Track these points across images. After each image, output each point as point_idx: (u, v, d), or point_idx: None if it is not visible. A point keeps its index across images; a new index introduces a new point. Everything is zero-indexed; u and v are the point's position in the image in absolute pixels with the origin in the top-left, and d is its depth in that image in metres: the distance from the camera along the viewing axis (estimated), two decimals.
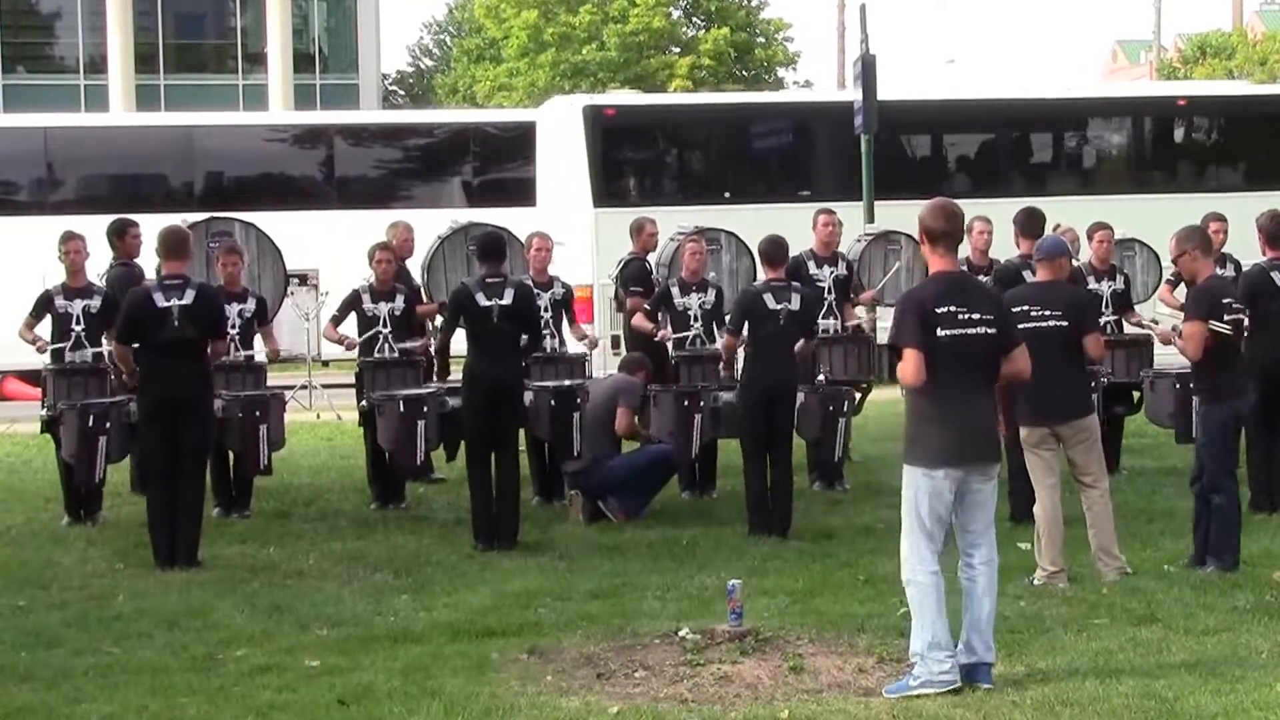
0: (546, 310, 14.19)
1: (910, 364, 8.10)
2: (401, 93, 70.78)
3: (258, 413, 13.18)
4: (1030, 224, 12.88)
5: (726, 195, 25.13)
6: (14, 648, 9.23)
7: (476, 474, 12.20)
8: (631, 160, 25.29)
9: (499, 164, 29.04)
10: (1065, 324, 10.38)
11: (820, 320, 14.08)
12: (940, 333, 8.13)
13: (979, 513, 8.25)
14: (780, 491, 12.35)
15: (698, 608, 9.78)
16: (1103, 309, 14.38)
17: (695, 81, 54.37)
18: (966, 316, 8.19)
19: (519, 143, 27.97)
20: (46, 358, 13.78)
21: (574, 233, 20.90)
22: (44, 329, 13.90)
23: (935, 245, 8.35)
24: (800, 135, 27.27)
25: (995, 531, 8.42)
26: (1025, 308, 10.27)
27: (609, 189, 24.72)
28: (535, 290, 13.98)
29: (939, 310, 8.16)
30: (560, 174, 25.50)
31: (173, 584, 10.96)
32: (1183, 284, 14.21)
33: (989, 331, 8.24)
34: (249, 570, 11.41)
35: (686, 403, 13.32)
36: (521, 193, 26.71)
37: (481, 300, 12.12)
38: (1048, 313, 10.36)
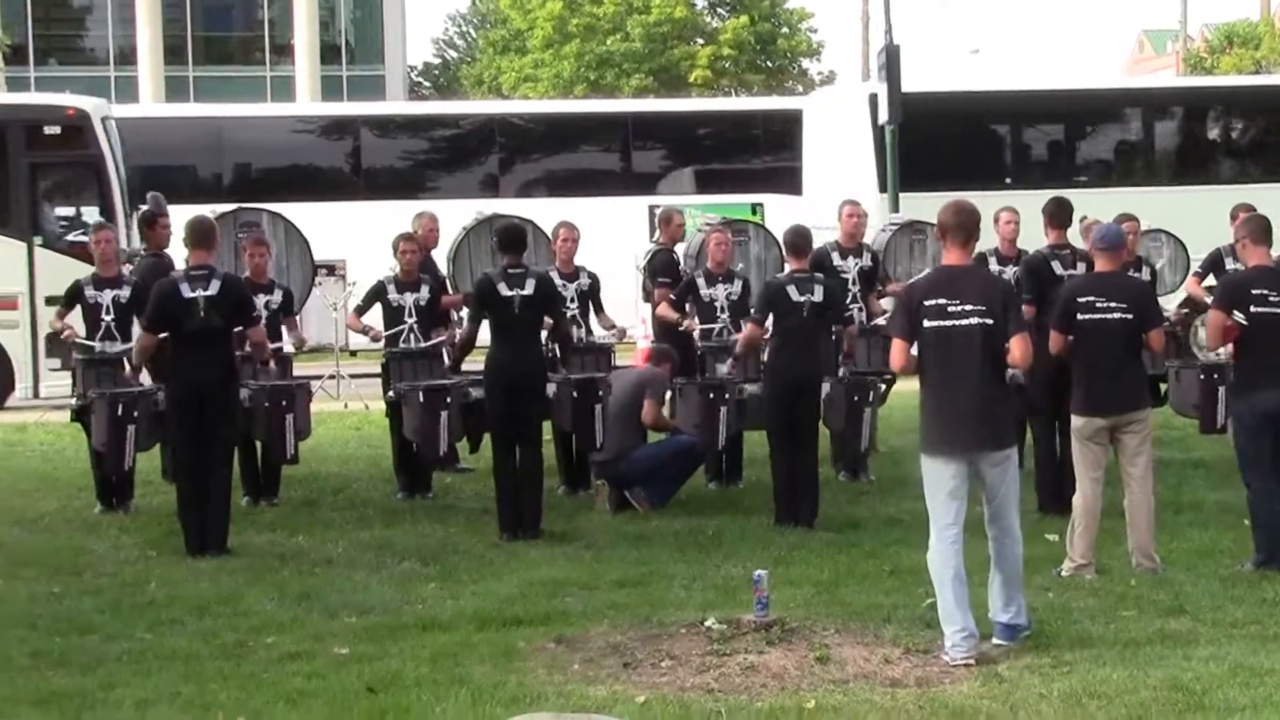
0: (573, 301, 14.19)
1: (894, 352, 8.69)
2: (427, 84, 70.81)
3: (284, 403, 13.18)
4: (1059, 214, 12.81)
5: (1008, 181, 25.21)
6: (49, 633, 9.27)
7: (500, 464, 12.22)
8: (913, 146, 25.19)
9: (753, 152, 29.38)
10: (1130, 316, 10.30)
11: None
12: (926, 324, 8.53)
13: (994, 491, 8.61)
14: (806, 482, 12.34)
15: (724, 597, 9.78)
16: None
17: (716, 72, 54.35)
18: (956, 308, 8.49)
19: (777, 132, 28.14)
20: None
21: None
22: (76, 319, 13.93)
23: (945, 239, 8.76)
24: (1078, 123, 27.41)
25: (1020, 505, 8.72)
26: (1089, 299, 10.23)
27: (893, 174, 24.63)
28: (562, 281, 13.99)
29: (927, 303, 8.56)
30: (835, 161, 25.48)
31: (203, 571, 10.99)
32: (1211, 275, 14.20)
33: (980, 323, 8.48)
34: (278, 558, 11.43)
35: (712, 395, 13.30)
36: (779, 181, 27.07)
37: (503, 290, 12.13)
38: (1112, 304, 10.28)
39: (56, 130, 22.59)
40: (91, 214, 21.54)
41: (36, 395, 21.47)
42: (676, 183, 29.07)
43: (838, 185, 24.58)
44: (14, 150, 22.51)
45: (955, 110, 26.37)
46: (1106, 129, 27.70)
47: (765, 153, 29.55)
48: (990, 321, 8.50)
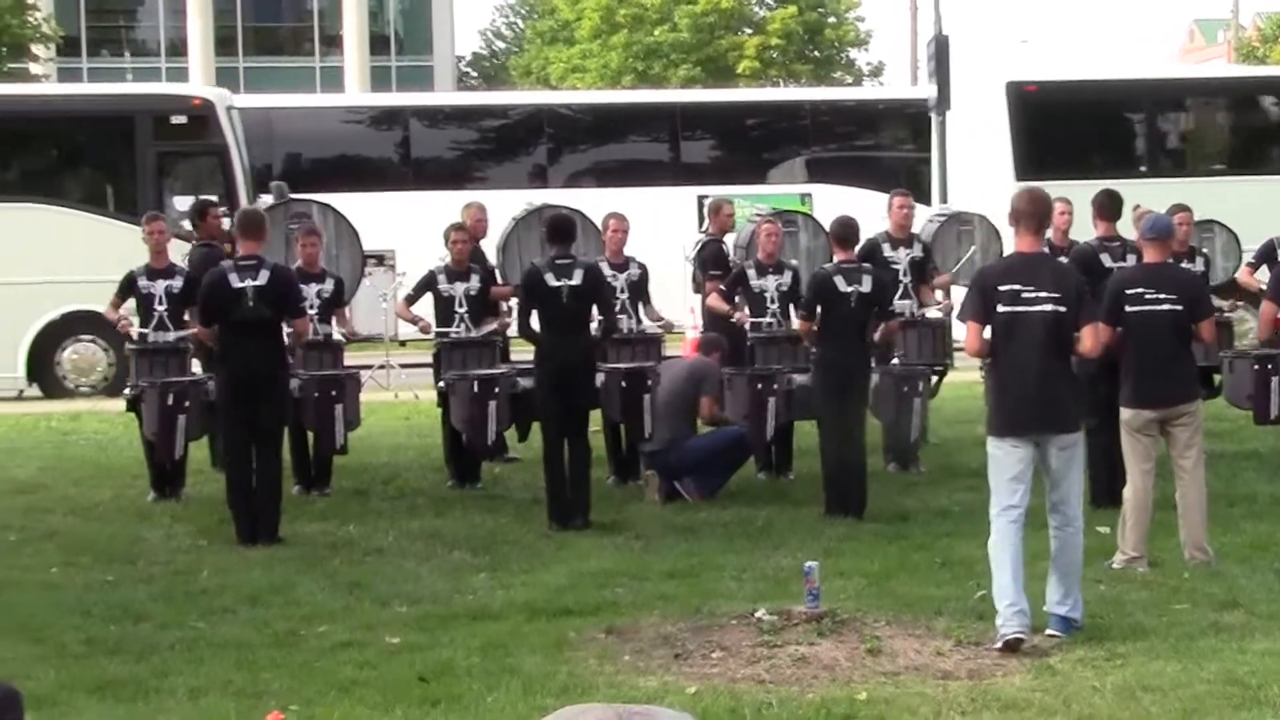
0: (623, 291, 14.19)
1: (969, 336, 8.73)
2: (475, 75, 70.92)
3: (333, 392, 13.22)
4: (1109, 206, 12.74)
5: (1143, 170, 25.25)
6: (103, 621, 9.32)
7: (550, 455, 12.22)
8: (1050, 134, 25.13)
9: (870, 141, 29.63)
10: (1179, 308, 10.24)
11: (896, 303, 14.01)
12: (1000, 309, 8.60)
13: (1059, 477, 8.65)
14: (854, 473, 12.29)
15: (774, 588, 9.76)
16: None
17: (764, 62, 54.26)
18: (1031, 294, 8.58)
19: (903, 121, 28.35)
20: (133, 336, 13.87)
21: (990, 205, 20.91)
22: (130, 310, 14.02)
23: (1016, 225, 8.81)
24: (1208, 112, 27.35)
25: (1082, 495, 8.77)
26: (1138, 290, 10.18)
27: (1030, 162, 24.57)
28: (611, 271, 13.98)
29: (1001, 288, 8.64)
30: (972, 149, 25.52)
31: (255, 560, 11.02)
32: (1264, 266, 14.10)
33: (1054, 310, 8.58)
34: (329, 547, 11.47)
35: (761, 386, 13.26)
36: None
37: (551, 281, 12.12)
38: (1161, 296, 10.21)
39: (182, 120, 22.87)
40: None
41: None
42: (788, 173, 28.99)
43: (974, 174, 24.58)
44: (141, 140, 22.72)
45: (1089, 98, 26.19)
46: (1243, 114, 27.52)
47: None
48: (1063, 309, 8.60)
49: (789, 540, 11.34)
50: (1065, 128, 25.12)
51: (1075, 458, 8.68)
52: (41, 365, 22.40)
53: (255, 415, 11.65)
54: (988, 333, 8.71)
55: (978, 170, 24.84)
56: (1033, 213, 8.75)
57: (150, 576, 10.60)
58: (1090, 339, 8.77)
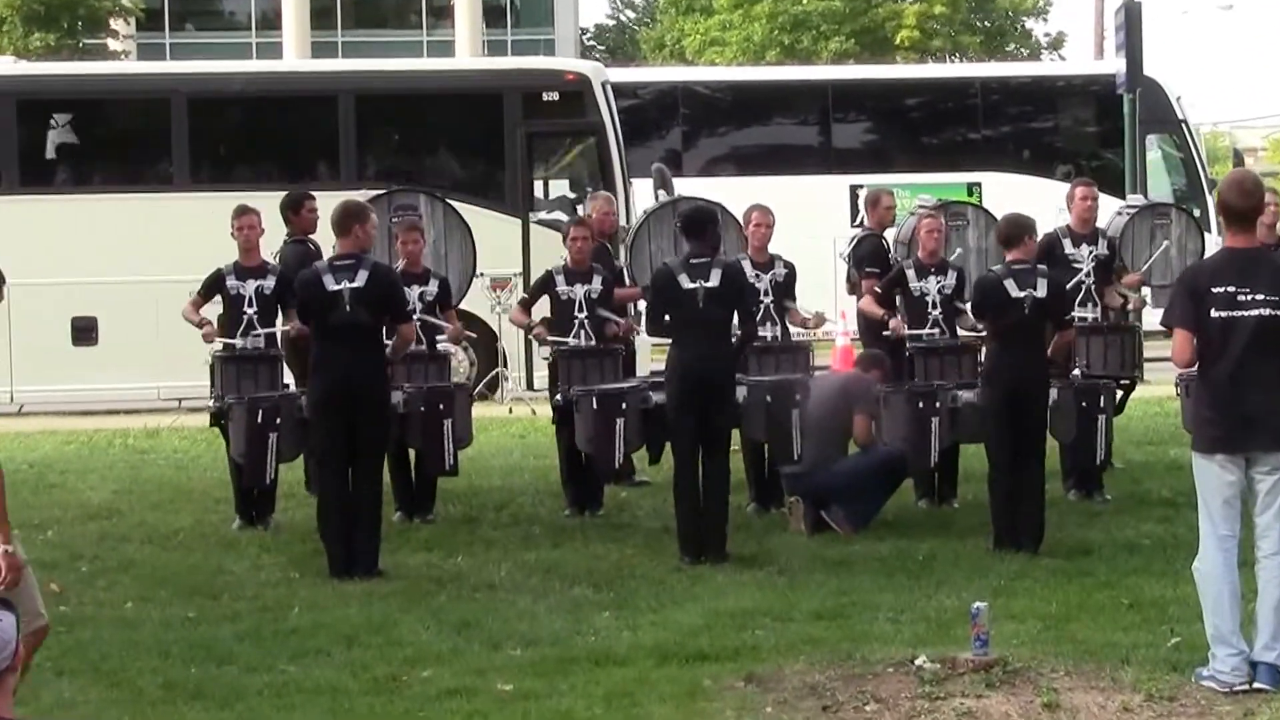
0: (766, 295, 14.16)
1: (1178, 345, 8.60)
2: (601, 49, 71.16)
3: (441, 406, 13.29)
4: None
5: None
6: (183, 662, 9.43)
7: (681, 479, 12.22)
8: None
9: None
10: None
11: (1077, 308, 13.90)
12: (1214, 314, 8.49)
13: (1261, 503, 8.55)
14: (1030, 501, 12.19)
15: (936, 632, 9.71)
16: None
17: (926, 33, 54.01)
18: (1246, 297, 8.47)
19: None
20: (215, 345, 14.01)
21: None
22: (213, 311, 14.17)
23: (1229, 221, 8.73)
24: None
25: None
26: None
27: None
28: (754, 272, 13.97)
29: (1215, 290, 8.52)
30: None
31: (351, 595, 11.11)
32: None
33: (1272, 314, 8.48)
34: (434, 582, 11.53)
35: (922, 404, 13.18)
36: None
37: (685, 282, 12.12)
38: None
39: (555, 97, 23.20)
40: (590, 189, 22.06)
41: (530, 387, 21.69)
42: (954, 159, 28.95)
43: None
44: (509, 119, 23.11)
45: None
46: None
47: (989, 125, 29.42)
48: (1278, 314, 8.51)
49: (953, 577, 11.28)
50: None
51: None
52: None
53: (352, 433, 11.74)
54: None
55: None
56: (1247, 207, 8.67)
57: (235, 613, 10.71)
58: None
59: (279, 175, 22.46)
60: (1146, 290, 15.61)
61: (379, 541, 11.88)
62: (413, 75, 26.23)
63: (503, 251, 20.96)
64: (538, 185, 23.86)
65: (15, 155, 23.19)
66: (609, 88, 23.11)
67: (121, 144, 24.40)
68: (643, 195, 21.67)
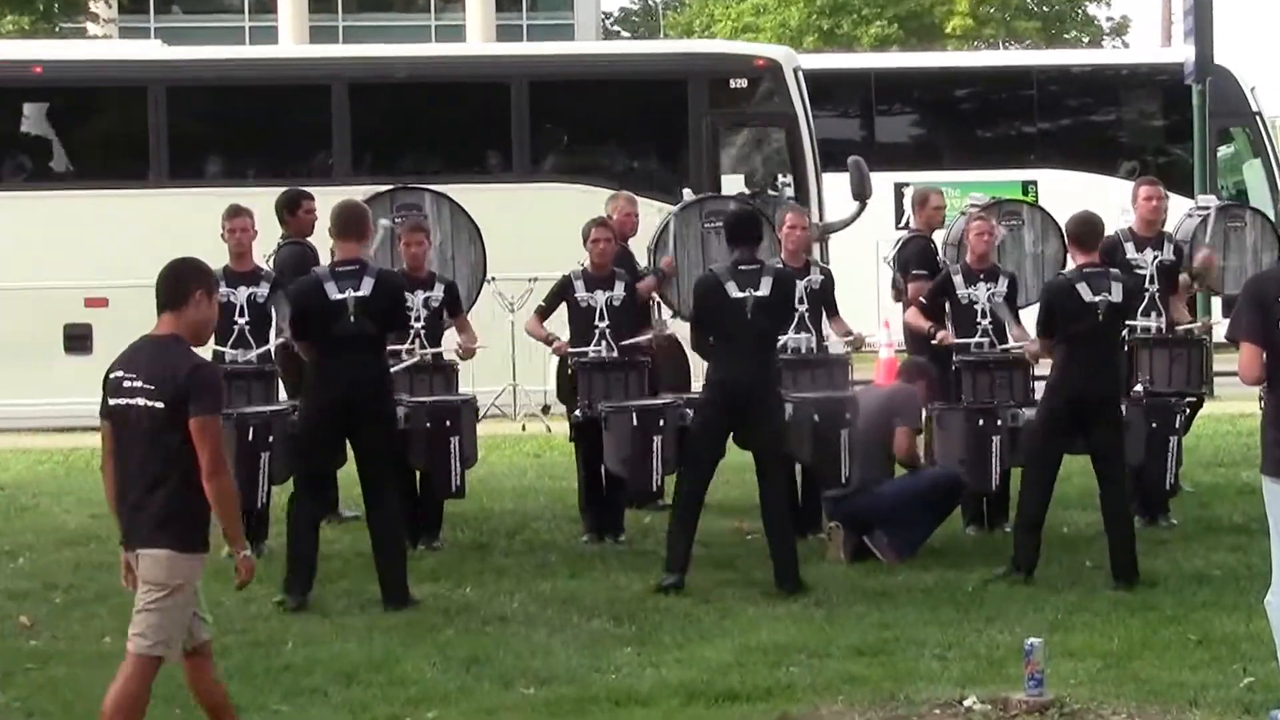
0: (802, 302, 14.16)
1: (1245, 359, 8.57)
2: (625, 34, 71.28)
3: (448, 423, 13.29)
4: None
5: None
6: (166, 702, 9.41)
7: (687, 500, 12.30)
8: None
9: None
10: None
11: (1139, 318, 13.89)
12: None
13: None
14: (1117, 529, 12.15)
15: (986, 671, 9.71)
16: None
17: (978, 19, 54.01)
18: None
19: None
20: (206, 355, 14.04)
21: None
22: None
23: None
24: None
25: None
26: None
27: None
28: None
29: None
30: None
31: (350, 630, 11.12)
32: None
33: None
34: (441, 614, 11.56)
35: (982, 422, 13.16)
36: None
37: (733, 291, 12.12)
38: None
39: (743, 84, 23.37)
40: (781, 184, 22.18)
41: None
42: (1008, 155, 28.99)
43: None
44: (694, 108, 23.27)
45: None
46: None
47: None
48: None
49: (1005, 610, 11.28)
50: None
51: None
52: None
53: (359, 453, 11.78)
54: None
55: None
56: None
57: (224, 648, 10.70)
58: None
59: (445, 167, 22.77)
60: (1217, 312, 15.59)
61: (406, 569, 11.91)
62: (590, 59, 26.59)
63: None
64: (733, 179, 23.90)
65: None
66: (800, 74, 23.18)
67: (277, 133, 24.47)
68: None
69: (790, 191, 22.75)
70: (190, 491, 7.88)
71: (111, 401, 7.95)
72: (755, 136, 24.31)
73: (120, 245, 21.72)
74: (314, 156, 24.12)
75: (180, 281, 8.07)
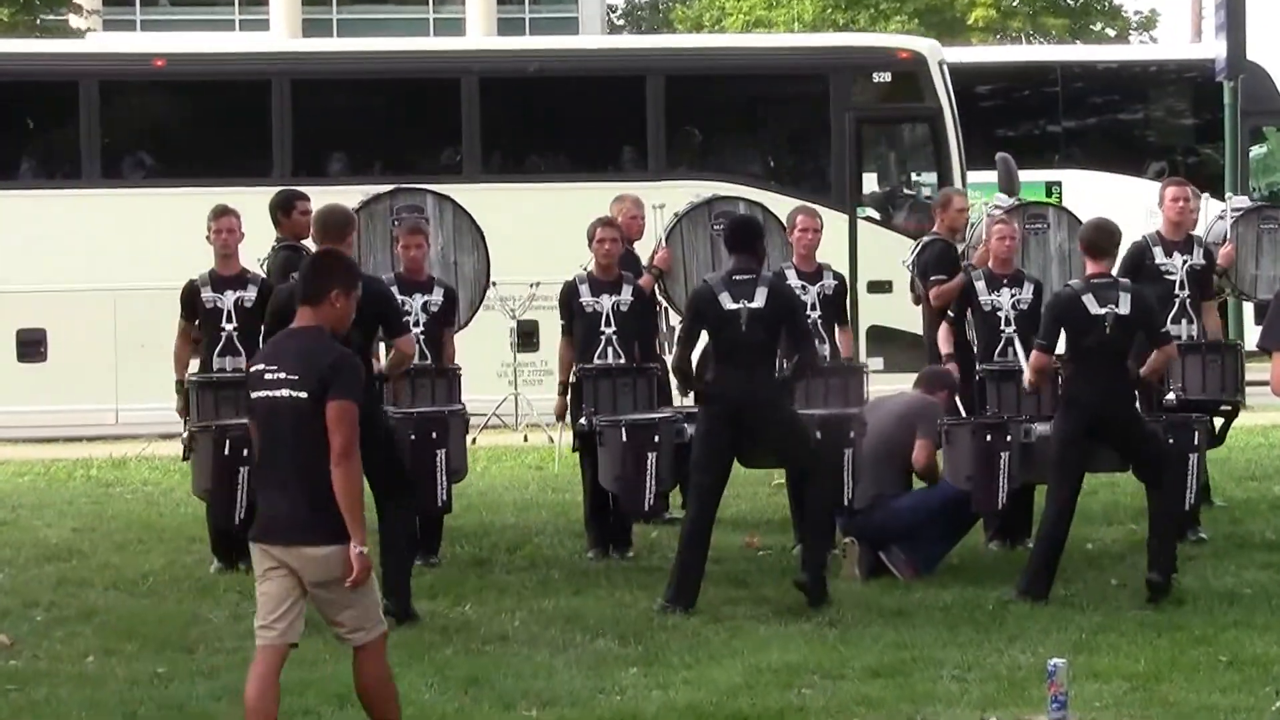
0: (814, 309, 14.15)
1: (1277, 370, 8.71)
2: (630, 28, 71.27)
3: (434, 435, 13.21)
4: None
5: None
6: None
7: (697, 520, 12.28)
8: None
9: None
10: None
11: (1169, 324, 13.91)
12: None
13: None
14: (1161, 529, 12.17)
15: (1008, 693, 9.72)
16: None
17: (1003, 12, 53.96)
18: None
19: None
20: (193, 366, 14.07)
21: None
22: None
23: None
24: None
25: None
26: None
27: None
28: (800, 283, 13.98)
29: None
30: None
31: (344, 649, 11.08)
32: None
33: None
34: (439, 633, 11.57)
35: (990, 437, 13.15)
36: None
37: (726, 303, 12.14)
38: None
39: (886, 78, 23.55)
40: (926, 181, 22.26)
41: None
42: (1032, 155, 29.04)
43: None
44: (836, 102, 23.38)
45: None
46: None
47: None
48: None
49: (1027, 630, 11.29)
50: None
51: None
52: None
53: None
54: None
55: None
56: None
57: (212, 669, 10.73)
58: None
59: (576, 165, 22.95)
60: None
61: (410, 577, 11.97)
62: (729, 53, 26.59)
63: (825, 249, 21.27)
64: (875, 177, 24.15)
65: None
66: (945, 67, 23.26)
67: (405, 129, 24.55)
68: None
69: (926, 191, 22.86)
70: None
71: (254, 395, 8.25)
72: (898, 132, 24.37)
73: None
74: (441, 153, 24.20)
75: (319, 278, 8.43)
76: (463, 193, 20.90)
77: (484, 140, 23.59)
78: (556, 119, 24.43)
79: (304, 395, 8.05)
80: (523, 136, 24.65)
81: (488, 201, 19.65)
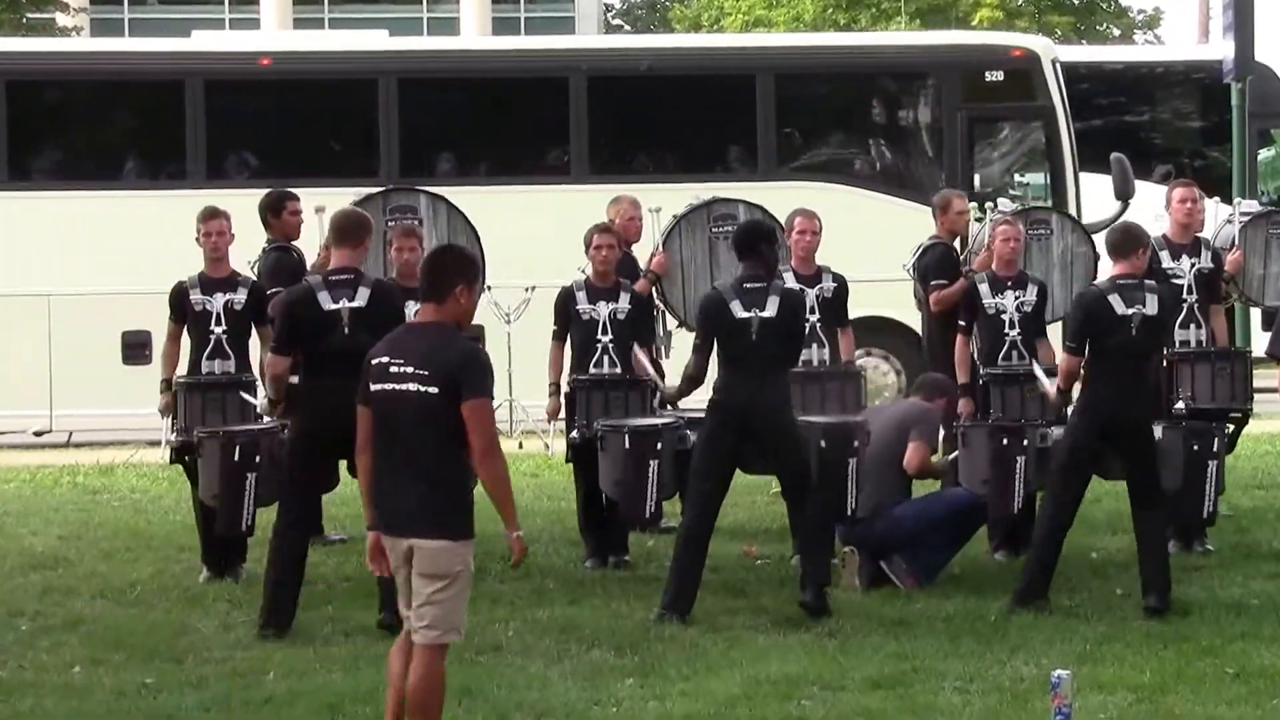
0: (812, 312, 14.15)
1: None
2: (628, 29, 71.31)
3: None
4: None
5: None
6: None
7: (694, 526, 12.30)
8: None
9: None
10: None
11: (1178, 330, 13.92)
12: None
13: None
14: (1153, 552, 12.16)
15: (1011, 705, 9.74)
16: None
17: (1008, 11, 53.96)
18: None
19: None
20: (181, 368, 14.06)
21: None
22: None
23: None
24: None
25: None
26: None
27: None
28: (798, 285, 13.96)
29: None
30: None
31: (335, 659, 11.12)
32: None
33: None
34: None
35: (1006, 441, 13.15)
36: None
37: (738, 311, 12.14)
38: None
39: (999, 76, 23.39)
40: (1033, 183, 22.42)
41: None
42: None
43: None
44: (947, 102, 23.37)
45: None
46: None
47: None
48: None
49: (1031, 641, 11.30)
50: None
51: None
52: None
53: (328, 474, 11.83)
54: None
55: None
56: None
57: (201, 679, 10.73)
58: None
59: (684, 166, 22.93)
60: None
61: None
62: (839, 52, 26.55)
63: None
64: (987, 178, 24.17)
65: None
66: (1059, 66, 23.25)
67: (512, 129, 24.45)
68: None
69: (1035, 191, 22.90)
70: (459, 478, 8.45)
71: (375, 387, 8.41)
72: (1011, 131, 24.44)
73: None
74: (548, 153, 24.17)
75: (442, 274, 8.57)
76: (570, 193, 20.99)
77: (591, 140, 23.54)
78: (665, 119, 24.33)
79: (434, 390, 8.22)
80: (631, 137, 24.58)
81: (594, 201, 19.69)
